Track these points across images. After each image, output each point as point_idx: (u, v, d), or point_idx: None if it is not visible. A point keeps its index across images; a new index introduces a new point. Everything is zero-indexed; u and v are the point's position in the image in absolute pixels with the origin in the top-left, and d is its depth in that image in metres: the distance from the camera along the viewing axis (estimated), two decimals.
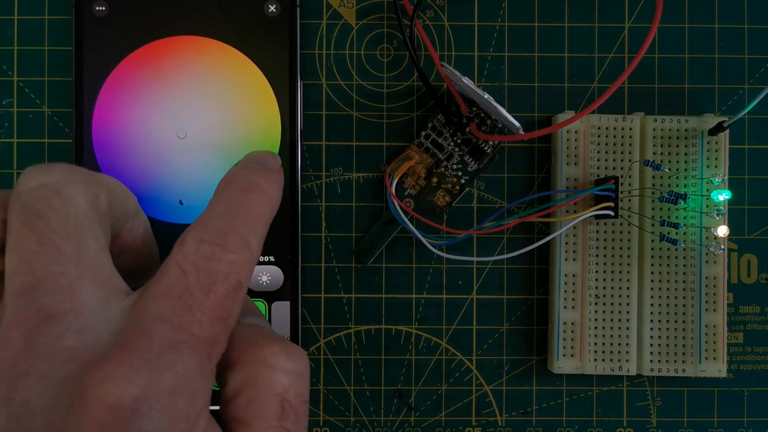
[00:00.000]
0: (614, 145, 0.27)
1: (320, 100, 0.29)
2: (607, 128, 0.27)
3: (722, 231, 0.27)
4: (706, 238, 0.27)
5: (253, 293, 0.27)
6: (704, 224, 0.27)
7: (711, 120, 0.27)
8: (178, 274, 0.18)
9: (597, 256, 0.27)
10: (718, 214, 0.27)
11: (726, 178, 0.27)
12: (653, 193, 0.27)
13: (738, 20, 0.29)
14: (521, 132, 0.25)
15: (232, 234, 0.20)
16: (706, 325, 0.27)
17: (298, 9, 0.27)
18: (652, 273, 0.27)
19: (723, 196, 0.27)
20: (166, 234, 0.27)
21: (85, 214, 0.19)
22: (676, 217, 0.27)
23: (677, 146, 0.27)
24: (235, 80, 0.27)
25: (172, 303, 0.18)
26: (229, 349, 0.20)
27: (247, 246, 0.20)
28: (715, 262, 0.27)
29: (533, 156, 0.29)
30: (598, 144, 0.27)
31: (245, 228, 0.20)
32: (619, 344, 0.27)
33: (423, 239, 0.27)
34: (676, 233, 0.27)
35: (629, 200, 0.27)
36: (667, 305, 0.27)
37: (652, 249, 0.27)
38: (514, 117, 0.25)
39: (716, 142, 0.27)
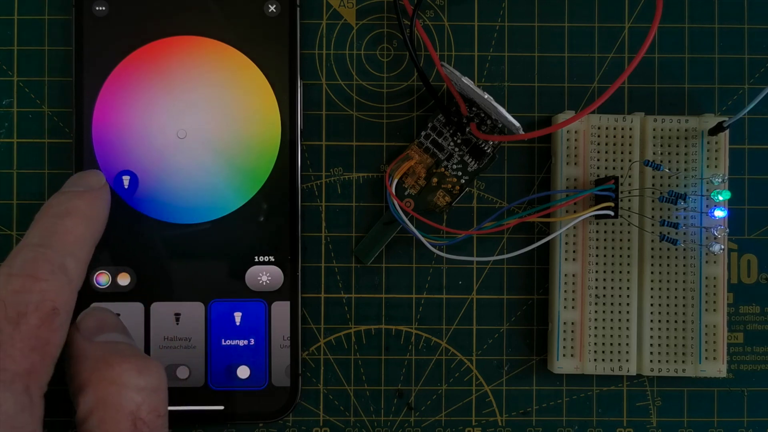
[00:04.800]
0: (614, 145, 0.27)
1: (320, 100, 0.29)
2: (607, 128, 0.27)
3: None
4: (706, 238, 0.27)
5: (253, 293, 0.27)
6: (704, 224, 0.27)
7: (711, 120, 0.27)
8: None
9: (597, 256, 0.27)
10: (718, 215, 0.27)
11: (726, 178, 0.27)
12: (653, 193, 0.27)
13: (738, 20, 0.29)
14: (521, 132, 0.25)
15: (44, 262, 0.20)
16: (706, 325, 0.27)
17: (298, 9, 0.27)
18: (652, 273, 0.27)
19: (723, 196, 0.26)
20: (167, 234, 0.27)
21: None
22: (676, 217, 0.27)
23: (677, 146, 0.27)
24: (235, 80, 0.27)
25: None
26: (81, 369, 0.20)
27: (63, 270, 0.20)
28: (715, 262, 0.27)
29: (533, 156, 0.29)
30: (598, 144, 0.27)
31: (59, 254, 0.20)
32: (619, 344, 0.27)
33: (423, 239, 0.27)
34: (676, 233, 0.27)
35: (629, 200, 0.27)
36: (667, 305, 0.27)
37: (652, 249, 0.27)
38: (514, 117, 0.25)
39: (716, 142, 0.27)
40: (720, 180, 0.27)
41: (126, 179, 0.27)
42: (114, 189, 0.26)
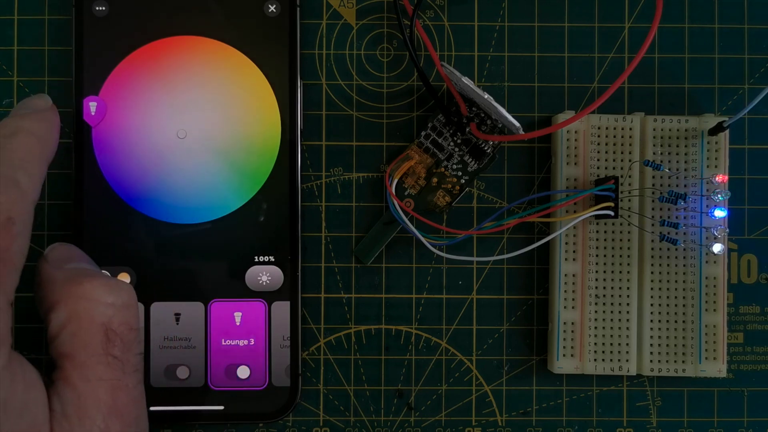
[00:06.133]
0: (614, 145, 0.27)
1: (320, 100, 0.29)
2: (607, 128, 0.27)
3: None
4: (706, 238, 0.27)
5: (253, 293, 0.27)
6: (704, 224, 0.27)
7: (711, 120, 0.27)
8: None
9: (597, 256, 0.27)
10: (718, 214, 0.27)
11: (726, 178, 0.27)
12: (653, 193, 0.27)
13: (738, 20, 0.29)
14: (521, 132, 0.25)
15: None
16: (706, 325, 0.27)
17: (298, 9, 0.27)
18: (652, 273, 0.27)
19: (722, 196, 0.26)
20: (167, 234, 0.27)
21: None
22: (676, 217, 0.27)
23: (677, 146, 0.27)
24: (235, 80, 0.27)
25: None
26: (50, 291, 0.21)
27: (14, 184, 0.21)
28: (715, 262, 0.27)
29: (533, 156, 0.29)
30: (598, 144, 0.27)
31: (10, 168, 0.21)
32: (619, 344, 0.27)
33: (423, 239, 0.27)
34: (676, 233, 0.27)
35: (629, 200, 0.27)
36: (667, 305, 0.27)
37: (652, 249, 0.27)
38: (514, 117, 0.25)
39: (716, 142, 0.27)
40: (720, 180, 0.27)
41: (92, 105, 0.27)
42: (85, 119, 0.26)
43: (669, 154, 0.27)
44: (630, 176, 0.27)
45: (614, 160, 0.27)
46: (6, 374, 0.19)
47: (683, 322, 0.27)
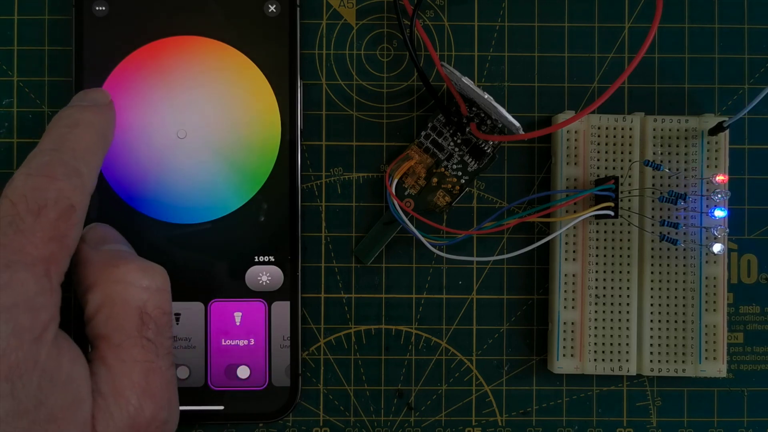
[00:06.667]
0: (614, 145, 0.27)
1: (320, 100, 0.29)
2: (607, 128, 0.27)
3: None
4: (706, 238, 0.27)
5: (253, 293, 0.27)
6: (704, 224, 0.27)
7: (711, 120, 0.27)
8: (7, 205, 0.20)
9: (597, 256, 0.27)
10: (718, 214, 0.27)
11: (726, 178, 0.27)
12: (653, 193, 0.27)
13: (738, 20, 0.29)
14: (521, 132, 0.25)
15: (59, 165, 0.21)
16: (706, 325, 0.27)
17: (298, 9, 0.27)
18: (652, 273, 0.27)
19: (722, 195, 0.26)
20: (167, 234, 0.27)
21: None
22: (676, 217, 0.27)
23: (677, 146, 0.27)
24: (235, 80, 0.27)
25: (3, 229, 0.20)
26: (88, 272, 0.22)
27: (77, 174, 0.21)
28: (715, 262, 0.27)
29: (533, 156, 0.29)
30: (598, 144, 0.27)
31: (73, 158, 0.22)
32: (619, 344, 0.27)
33: (423, 239, 0.27)
34: (676, 233, 0.27)
35: (629, 200, 0.27)
36: (667, 305, 0.27)
37: (652, 249, 0.27)
38: (514, 117, 0.25)
39: (716, 142, 0.27)
40: (720, 180, 0.27)
41: None
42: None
43: (669, 154, 0.27)
44: (630, 176, 0.27)
45: (614, 160, 0.27)
46: (54, 349, 0.20)
47: (683, 322, 0.27)
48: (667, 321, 0.27)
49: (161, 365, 0.22)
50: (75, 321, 0.25)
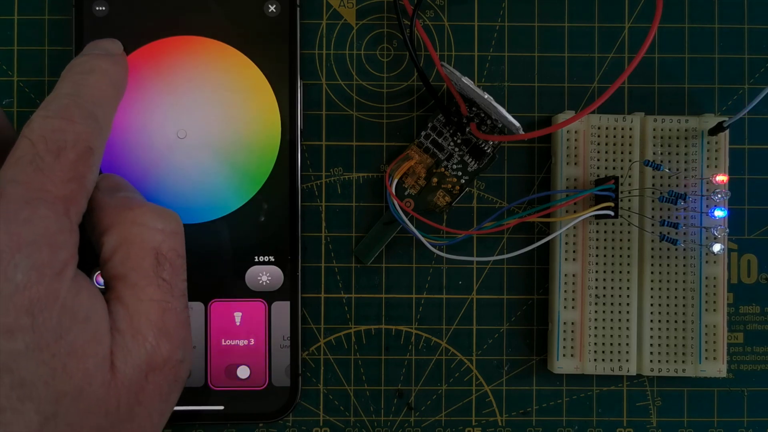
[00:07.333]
0: (614, 145, 0.27)
1: (320, 100, 0.29)
2: (607, 128, 0.27)
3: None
4: (706, 238, 0.27)
5: (253, 293, 0.27)
6: (704, 224, 0.27)
7: (711, 120, 0.27)
8: (27, 144, 0.20)
9: (597, 256, 0.27)
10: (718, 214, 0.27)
11: (726, 178, 0.27)
12: (653, 193, 0.27)
13: (738, 20, 0.29)
14: (521, 132, 0.25)
15: (77, 108, 0.21)
16: (706, 325, 0.27)
17: (298, 9, 0.27)
18: (652, 273, 0.27)
19: (722, 195, 0.26)
20: None
21: None
22: (676, 217, 0.27)
23: (677, 146, 0.27)
24: (235, 80, 0.27)
25: (24, 168, 0.20)
26: (103, 216, 0.22)
27: (93, 117, 0.22)
28: (715, 262, 0.27)
29: (533, 156, 0.29)
30: (598, 144, 0.27)
31: (89, 103, 0.22)
32: (619, 344, 0.27)
33: (423, 239, 0.27)
34: (676, 233, 0.27)
35: (629, 200, 0.27)
36: (667, 305, 0.27)
37: (652, 249, 0.27)
38: (514, 117, 0.25)
39: (716, 142, 0.27)
40: (720, 181, 0.27)
41: None
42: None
43: (669, 154, 0.27)
44: (630, 176, 0.27)
45: (614, 160, 0.27)
46: (74, 286, 0.20)
47: (683, 322, 0.27)
48: (667, 321, 0.27)
49: (176, 306, 0.22)
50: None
